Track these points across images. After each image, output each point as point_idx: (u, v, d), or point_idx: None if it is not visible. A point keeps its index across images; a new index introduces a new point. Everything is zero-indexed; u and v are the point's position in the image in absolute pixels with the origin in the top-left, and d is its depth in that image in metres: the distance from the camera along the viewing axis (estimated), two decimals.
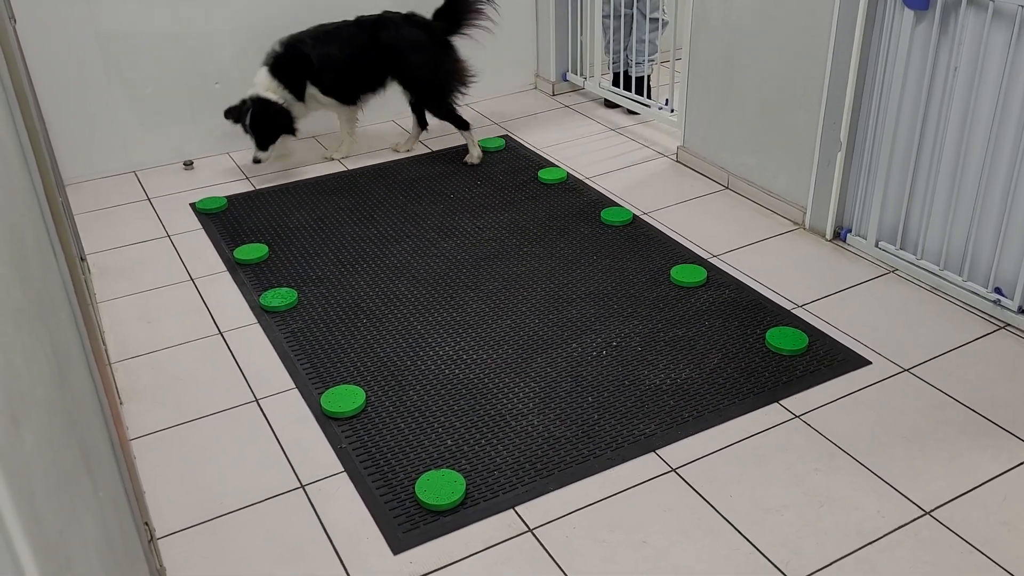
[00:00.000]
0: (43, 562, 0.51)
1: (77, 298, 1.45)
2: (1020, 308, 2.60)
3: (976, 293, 2.70)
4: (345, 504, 2.10)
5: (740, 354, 2.56)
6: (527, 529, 2.02)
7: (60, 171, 3.11)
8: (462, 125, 3.78)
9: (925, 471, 2.13)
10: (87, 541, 0.73)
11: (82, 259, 2.69)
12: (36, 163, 1.37)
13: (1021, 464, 2.15)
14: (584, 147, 3.94)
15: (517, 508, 2.07)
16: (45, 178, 1.41)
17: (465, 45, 4.31)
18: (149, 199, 3.60)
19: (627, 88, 4.13)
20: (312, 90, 3.65)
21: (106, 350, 2.45)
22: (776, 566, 1.90)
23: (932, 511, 2.03)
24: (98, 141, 3.72)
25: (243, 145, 4.01)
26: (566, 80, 4.51)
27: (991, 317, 2.67)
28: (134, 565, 1.23)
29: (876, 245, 2.99)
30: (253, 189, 3.64)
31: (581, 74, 4.44)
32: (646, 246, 3.13)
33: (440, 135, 4.10)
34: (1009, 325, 2.64)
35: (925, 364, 2.49)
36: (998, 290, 2.65)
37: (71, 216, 2.72)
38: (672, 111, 3.89)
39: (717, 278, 2.93)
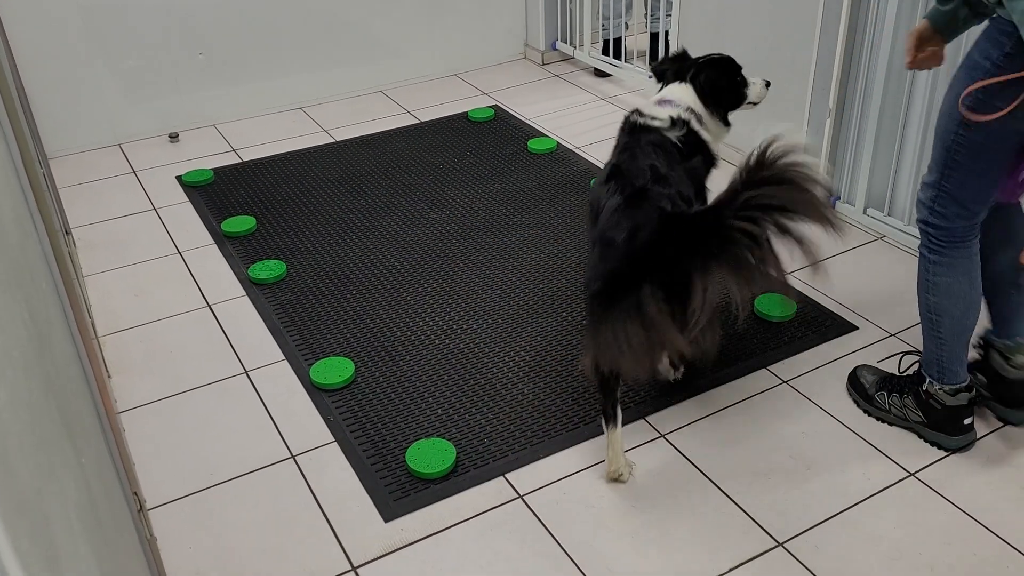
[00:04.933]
0: (17, 514, 0.51)
1: (60, 270, 1.44)
2: None
3: None
4: (336, 473, 2.11)
5: (729, 321, 2.56)
6: (517, 496, 2.03)
7: (43, 144, 3.09)
8: None
9: (910, 433, 2.15)
10: (67, 503, 0.74)
11: (67, 233, 2.67)
12: (13, 133, 1.35)
13: (1001, 427, 2.17)
14: (574, 116, 3.91)
15: (507, 475, 2.08)
16: (23, 149, 1.39)
17: (453, 15, 4.28)
18: (134, 172, 3.57)
19: (654, 47, 4.03)
20: None
21: (92, 323, 2.45)
22: (763, 528, 1.92)
23: (917, 472, 2.05)
24: (81, 114, 3.69)
25: (231, 115, 3.98)
26: (555, 49, 4.48)
27: None
28: (122, 533, 1.24)
29: (864, 212, 2.99)
30: (240, 161, 3.62)
31: (571, 43, 4.40)
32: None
33: (429, 105, 4.07)
34: None
35: (911, 329, 2.50)
36: None
37: (54, 189, 2.70)
38: None
39: None
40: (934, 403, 2.06)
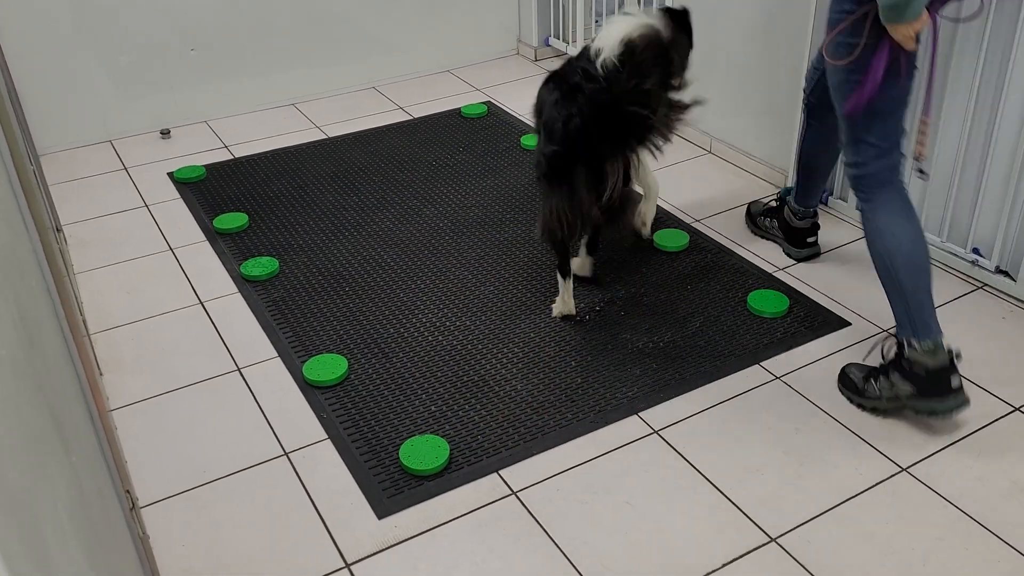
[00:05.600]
0: (6, 514, 0.51)
1: (51, 268, 1.44)
2: (997, 268, 2.62)
3: (955, 254, 2.71)
4: (329, 471, 2.11)
5: (722, 317, 2.57)
6: (511, 492, 2.03)
7: (33, 141, 3.07)
8: None
9: (902, 429, 2.16)
10: (58, 502, 0.73)
11: (58, 230, 2.66)
12: (3, 130, 1.34)
13: (995, 421, 2.18)
14: None
15: (501, 472, 2.08)
16: (13, 145, 1.38)
17: (446, 11, 4.27)
18: (126, 168, 3.56)
19: None
20: None
21: (84, 321, 2.44)
22: (756, 524, 1.93)
23: (909, 468, 2.06)
24: (73, 110, 3.67)
25: (223, 112, 3.97)
26: (548, 45, 4.47)
27: (969, 277, 2.69)
28: (114, 532, 1.24)
29: (856, 208, 2.99)
30: (232, 158, 3.61)
31: (564, 39, 4.39)
32: (629, 211, 3.12)
33: (422, 101, 4.06)
34: (987, 285, 2.66)
35: None
36: (976, 250, 2.67)
37: (45, 186, 2.69)
38: None
39: (699, 242, 2.94)
40: (918, 370, 2.08)
